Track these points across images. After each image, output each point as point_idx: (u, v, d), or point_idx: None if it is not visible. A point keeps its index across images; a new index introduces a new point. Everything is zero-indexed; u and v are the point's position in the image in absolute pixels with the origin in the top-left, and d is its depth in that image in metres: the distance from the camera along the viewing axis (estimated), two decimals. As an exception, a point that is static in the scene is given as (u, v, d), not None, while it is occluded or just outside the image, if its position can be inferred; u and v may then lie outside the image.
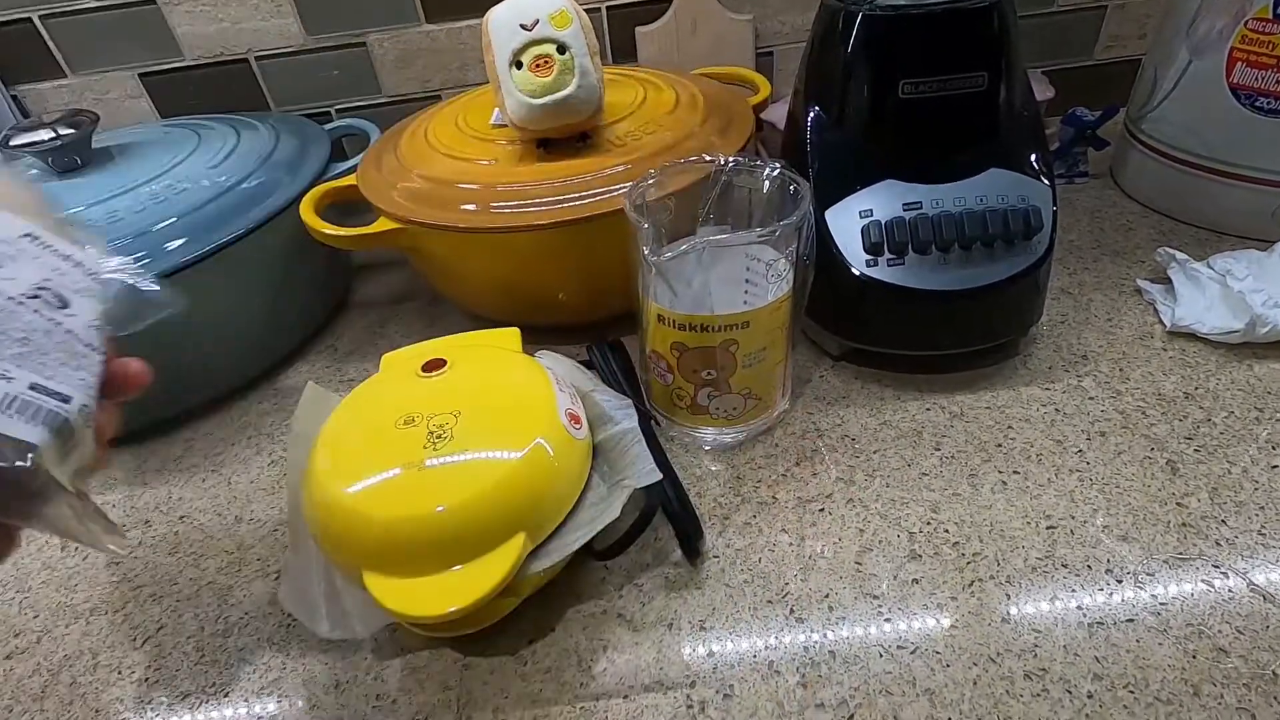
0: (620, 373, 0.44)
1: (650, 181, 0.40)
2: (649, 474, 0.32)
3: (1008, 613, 0.32)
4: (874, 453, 0.41)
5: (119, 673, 0.35)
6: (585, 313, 0.51)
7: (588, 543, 0.33)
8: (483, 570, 0.29)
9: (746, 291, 0.40)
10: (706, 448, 0.43)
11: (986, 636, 0.32)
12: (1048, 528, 0.36)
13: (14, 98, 0.68)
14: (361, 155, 0.55)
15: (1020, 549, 0.35)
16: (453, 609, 0.28)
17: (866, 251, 0.42)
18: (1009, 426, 0.42)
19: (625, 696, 0.31)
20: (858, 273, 0.42)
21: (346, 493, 0.30)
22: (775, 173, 0.40)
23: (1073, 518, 0.36)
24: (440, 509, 0.29)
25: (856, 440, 0.42)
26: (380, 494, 0.30)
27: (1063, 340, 0.47)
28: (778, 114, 0.63)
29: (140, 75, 0.68)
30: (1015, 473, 0.39)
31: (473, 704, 0.32)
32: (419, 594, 0.29)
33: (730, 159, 0.41)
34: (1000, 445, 0.40)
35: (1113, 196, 0.61)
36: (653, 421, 0.43)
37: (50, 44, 0.65)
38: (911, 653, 0.31)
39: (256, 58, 0.68)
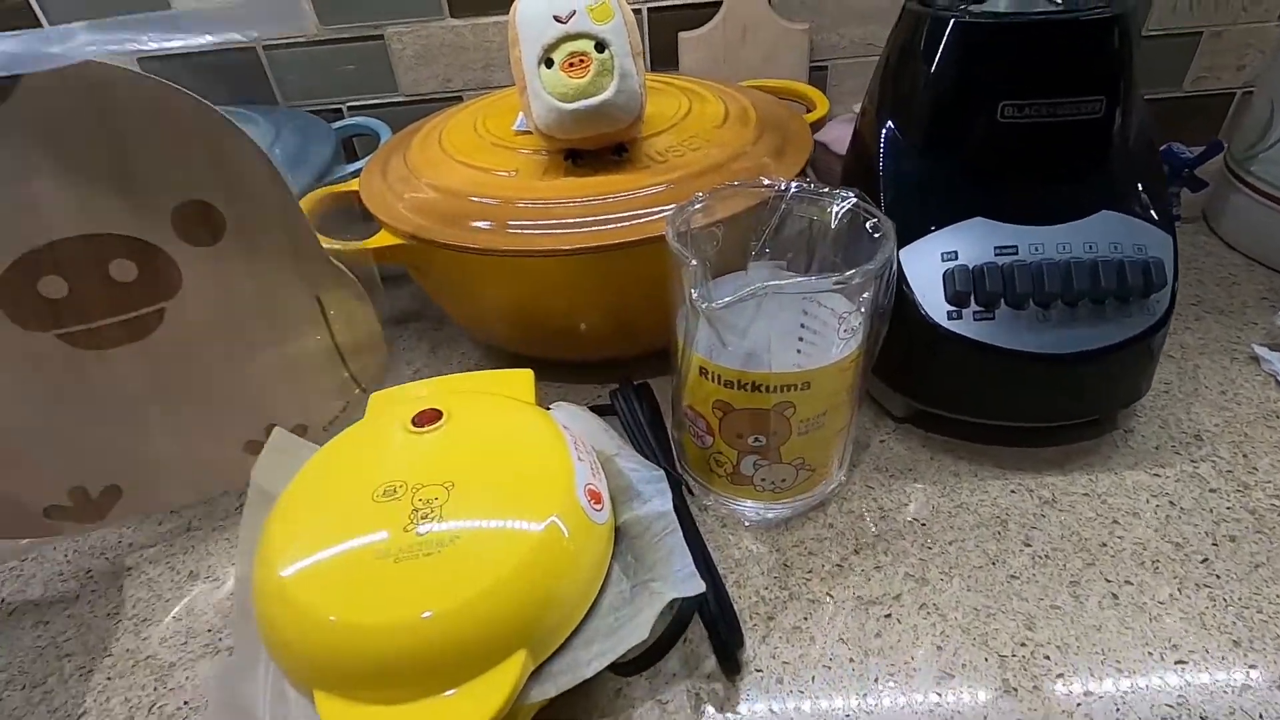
0: (648, 426, 0.38)
1: (697, 206, 0.34)
2: (689, 582, 0.25)
3: (1135, 781, 0.25)
4: (949, 544, 0.34)
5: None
6: (609, 349, 0.44)
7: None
8: (470, 700, 0.23)
9: (802, 340, 0.34)
10: (746, 523, 0.36)
11: (1111, 815, 0.25)
12: (1177, 662, 0.29)
13: (3, 77, 0.63)
14: (368, 158, 0.49)
15: (1144, 690, 0.28)
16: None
17: (949, 301, 0.36)
18: (1114, 521, 0.35)
19: None
20: (938, 325, 0.35)
21: (299, 584, 0.24)
22: (848, 204, 0.33)
23: (1207, 651, 0.29)
24: (419, 616, 0.23)
25: (927, 526, 0.35)
26: (343, 589, 0.24)
27: (1169, 414, 0.40)
28: (831, 135, 0.57)
29: (139, 59, 0.62)
30: (1127, 583, 0.32)
31: None
32: None
33: (793, 184, 0.35)
34: (1105, 545, 0.33)
35: (1209, 245, 0.54)
36: (684, 488, 0.36)
37: (41, 17, 0.60)
38: (1013, 830, 0.24)
39: (265, 46, 0.63)
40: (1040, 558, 0.33)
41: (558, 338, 0.43)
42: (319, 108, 0.65)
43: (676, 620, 0.26)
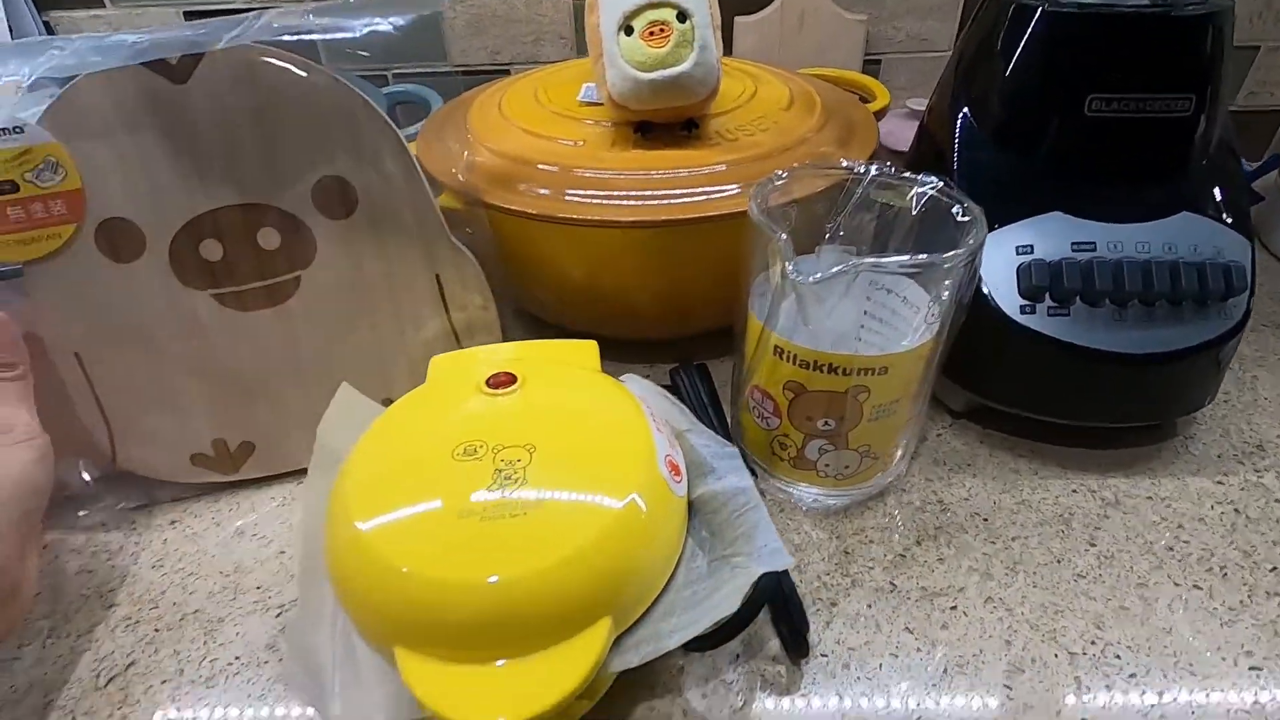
0: (709, 406, 0.37)
1: (777, 183, 0.34)
2: (777, 556, 0.25)
3: (1215, 784, 0.25)
4: (1013, 539, 0.34)
5: (73, 718, 0.28)
6: (666, 328, 0.44)
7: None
8: (557, 664, 0.22)
9: (864, 328, 0.33)
10: (805, 509, 0.36)
11: (1192, 817, 0.24)
12: (1251, 668, 0.28)
13: (45, 23, 0.62)
14: (421, 124, 0.48)
15: (1219, 694, 0.28)
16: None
17: (1023, 295, 0.35)
18: (1179, 526, 0.34)
19: (714, 841, 0.24)
20: (1010, 320, 0.35)
21: (380, 538, 0.23)
22: (930, 189, 0.33)
23: (1281, 659, 0.29)
24: (508, 577, 0.22)
25: (989, 521, 0.35)
26: (428, 546, 0.23)
27: (1230, 424, 0.40)
28: (884, 129, 0.56)
29: (184, 12, 0.62)
30: (1196, 588, 0.31)
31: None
32: (468, 688, 0.22)
33: (871, 167, 0.34)
34: (1172, 549, 0.33)
35: (1262, 260, 0.54)
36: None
37: None
38: (1092, 827, 0.24)
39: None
40: (1106, 558, 0.33)
41: (615, 314, 0.42)
42: (365, 73, 0.64)
43: (756, 597, 0.26)
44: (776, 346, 0.32)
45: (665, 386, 0.39)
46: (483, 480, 0.24)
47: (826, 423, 0.32)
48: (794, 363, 0.31)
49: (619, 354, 0.44)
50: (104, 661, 0.30)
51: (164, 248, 0.34)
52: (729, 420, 0.38)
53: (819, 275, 0.27)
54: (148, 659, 0.30)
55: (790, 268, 0.27)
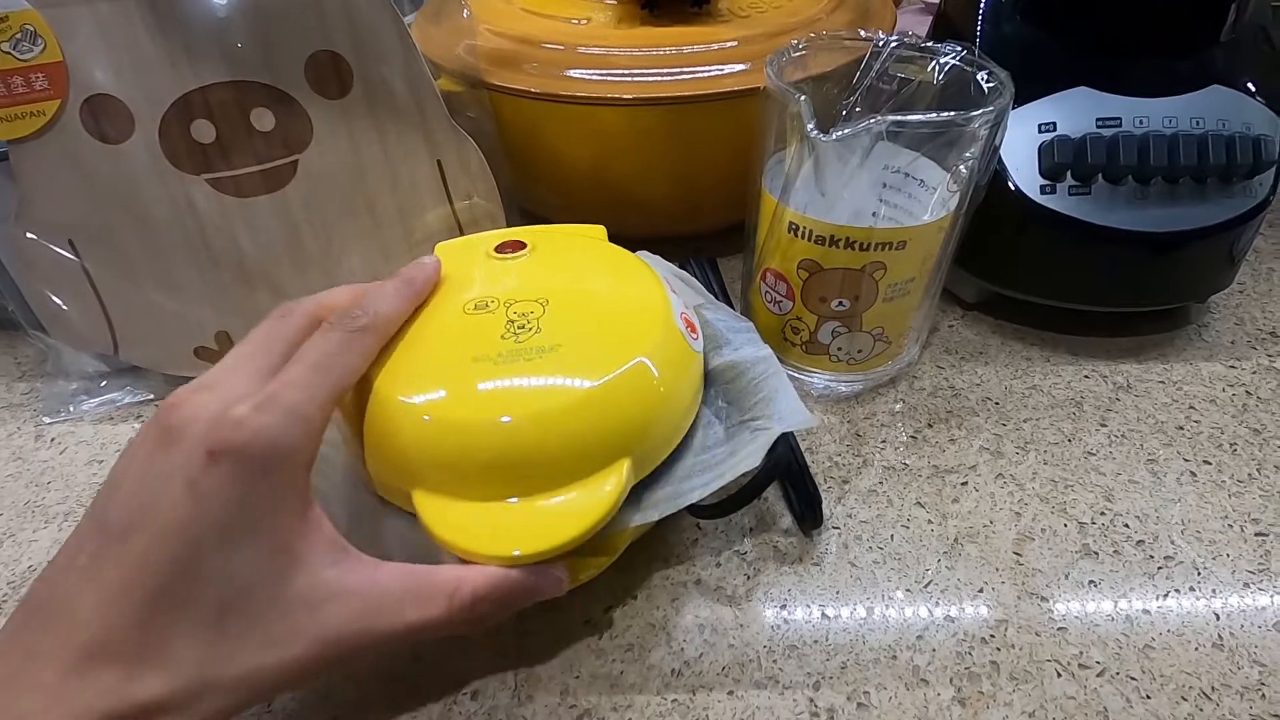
0: (721, 295, 0.36)
1: (795, 55, 0.32)
2: (797, 416, 0.25)
3: (1219, 637, 0.26)
4: (1024, 421, 0.34)
5: (93, 594, 0.28)
6: (674, 222, 0.42)
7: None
8: (575, 502, 0.22)
9: (877, 210, 0.32)
10: (816, 395, 0.35)
11: (1196, 665, 0.25)
12: (1257, 534, 0.29)
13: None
14: (417, 10, 0.46)
15: (1225, 557, 0.28)
16: (518, 552, 0.21)
17: (1043, 175, 0.34)
18: (1190, 407, 0.34)
19: (730, 692, 0.25)
20: (1029, 200, 0.34)
21: (395, 384, 0.23)
22: (954, 58, 0.31)
23: (1288, 525, 0.29)
24: (521, 415, 0.22)
25: (1001, 404, 0.35)
26: (444, 389, 0.23)
27: (1243, 312, 0.39)
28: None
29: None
30: (1206, 463, 0.32)
31: (534, 680, 0.25)
32: (485, 524, 0.22)
33: (893, 38, 0.33)
34: (1182, 428, 0.33)
35: None
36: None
37: None
38: (1099, 675, 0.25)
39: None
40: (1117, 437, 0.33)
41: (621, 206, 0.41)
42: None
43: (772, 464, 0.26)
44: (791, 223, 0.31)
45: (675, 276, 0.39)
46: (496, 330, 0.24)
47: (841, 303, 0.32)
48: (809, 239, 0.30)
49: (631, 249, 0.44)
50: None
51: (153, 128, 0.32)
52: (738, 309, 0.38)
53: (841, 132, 0.26)
54: (165, 539, 0.30)
55: (811, 127, 0.26)
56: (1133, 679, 0.24)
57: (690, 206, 0.41)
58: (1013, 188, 0.34)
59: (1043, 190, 0.34)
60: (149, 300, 0.35)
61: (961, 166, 0.30)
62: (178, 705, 0.17)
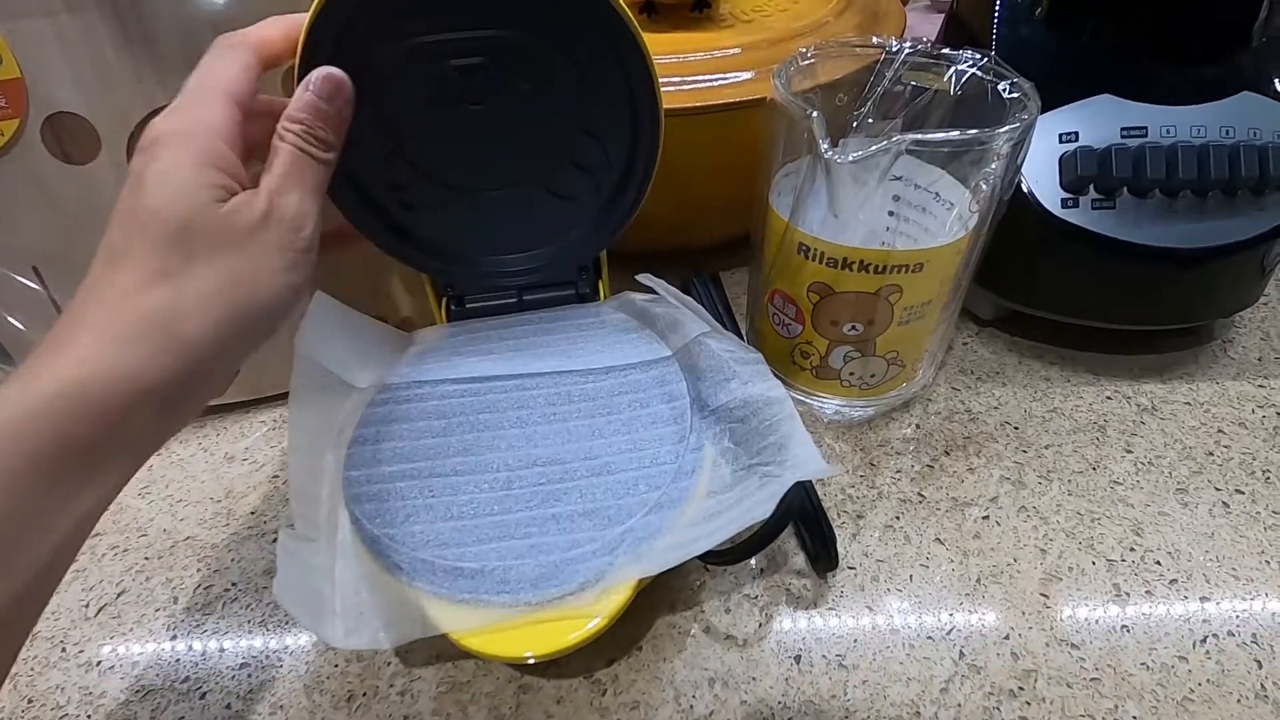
0: (726, 315, 0.35)
1: (803, 64, 0.30)
2: (812, 464, 0.23)
3: (1261, 687, 0.24)
4: (1045, 447, 0.32)
5: (63, 650, 0.27)
6: (674, 237, 0.41)
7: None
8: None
9: (891, 228, 0.30)
10: (826, 421, 0.34)
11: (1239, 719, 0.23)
12: (1297, 572, 0.27)
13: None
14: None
15: (1264, 598, 0.26)
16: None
17: (1065, 188, 0.32)
18: (1219, 430, 0.33)
19: (743, 756, 0.23)
20: (1049, 215, 0.32)
21: None
22: (972, 66, 0.29)
23: (1328, 561, 0.27)
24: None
25: (1020, 429, 0.33)
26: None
27: (1269, 326, 0.38)
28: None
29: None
30: (1238, 492, 0.30)
31: (534, 743, 0.23)
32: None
33: (906, 44, 0.31)
34: (1212, 454, 0.32)
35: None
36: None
37: None
38: (1136, 732, 0.23)
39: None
40: (1144, 464, 0.31)
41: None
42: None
43: (784, 510, 0.24)
44: (802, 244, 0.29)
45: (676, 296, 0.37)
46: None
47: (853, 327, 0.30)
48: (821, 261, 0.29)
49: (625, 267, 0.42)
50: (93, 591, 0.29)
51: (120, 147, 0.30)
52: (744, 332, 0.36)
53: (858, 153, 0.24)
54: (139, 587, 0.29)
55: (824, 146, 0.24)
56: (1173, 737, 0.23)
57: (692, 220, 0.39)
58: (1032, 201, 0.33)
59: (1064, 204, 0.32)
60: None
61: (983, 183, 0.28)
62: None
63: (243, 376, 0.35)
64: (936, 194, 0.31)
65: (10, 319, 0.32)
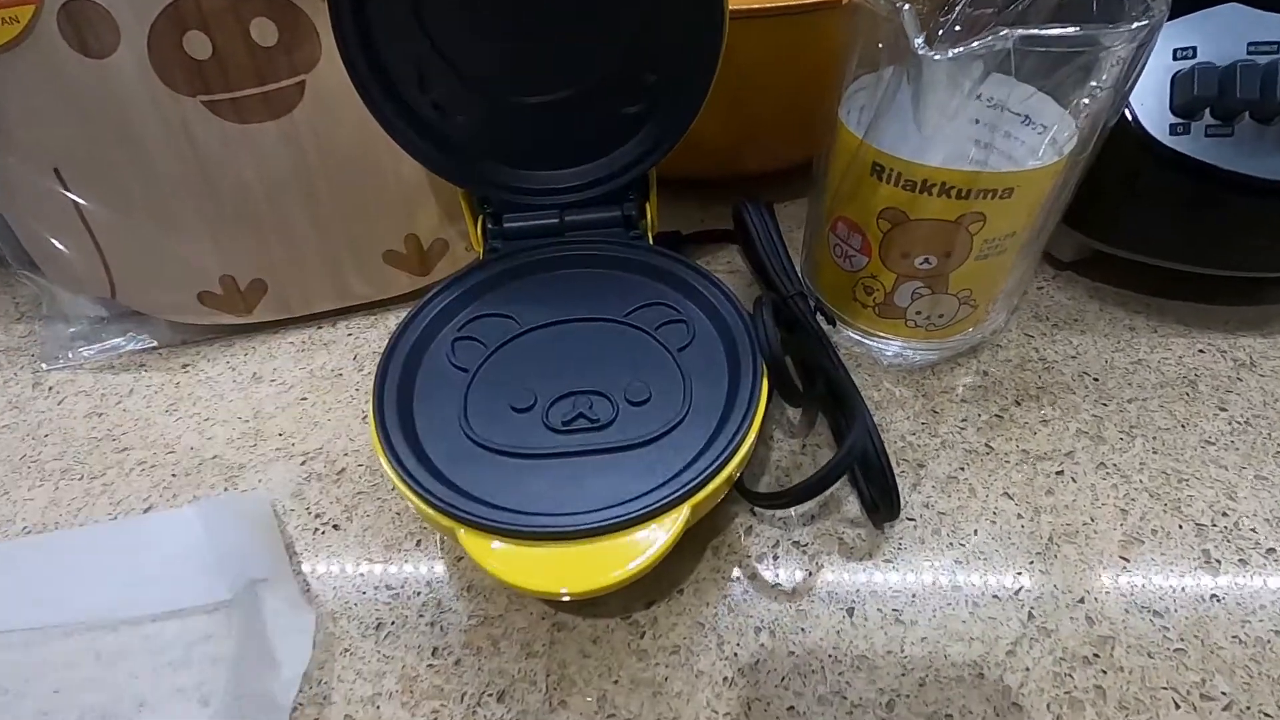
0: (778, 248, 0.32)
1: (887, -43, 0.27)
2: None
3: (1369, 668, 0.22)
4: (1128, 401, 0.29)
5: (90, 562, 0.26)
6: (727, 161, 0.38)
7: (739, 480, 0.23)
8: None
9: (975, 151, 0.27)
10: (886, 364, 0.31)
11: (1344, 702, 0.21)
12: None
13: None
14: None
15: (1375, 573, 0.24)
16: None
17: (1175, 111, 0.29)
18: (1328, 390, 0.30)
19: (790, 707, 0.21)
20: (1155, 142, 0.29)
21: None
22: (1084, -38, 0.26)
23: None
24: None
25: (1101, 381, 0.30)
26: None
27: (1388, 279, 0.34)
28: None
29: None
30: (1348, 458, 0.27)
31: (567, 683, 0.22)
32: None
33: (1006, -62, 0.27)
34: (1319, 415, 0.29)
35: None
36: (817, 316, 0.31)
37: None
38: (1225, 709, 0.21)
39: None
40: (1239, 424, 0.28)
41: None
42: None
43: (846, 452, 0.22)
44: (876, 164, 0.26)
45: (721, 233, 0.34)
46: None
47: (926, 260, 0.27)
48: (897, 184, 0.26)
49: (670, 195, 0.39)
50: (120, 505, 0.28)
51: (141, 40, 0.28)
52: (799, 266, 0.34)
53: (958, 49, 0.21)
54: (166, 504, 0.28)
55: (919, 42, 0.21)
56: (1268, 716, 0.21)
57: (747, 142, 0.36)
58: (1134, 126, 0.29)
59: (1173, 130, 0.29)
60: (147, 239, 0.31)
61: (1087, 100, 0.25)
62: None
63: (271, 296, 0.34)
64: (1026, 116, 0.27)
65: (42, 231, 0.31)
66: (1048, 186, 0.26)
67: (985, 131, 0.27)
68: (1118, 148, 0.29)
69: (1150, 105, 0.29)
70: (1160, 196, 0.30)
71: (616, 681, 0.22)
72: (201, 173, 0.30)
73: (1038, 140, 0.26)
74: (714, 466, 0.22)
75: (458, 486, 0.22)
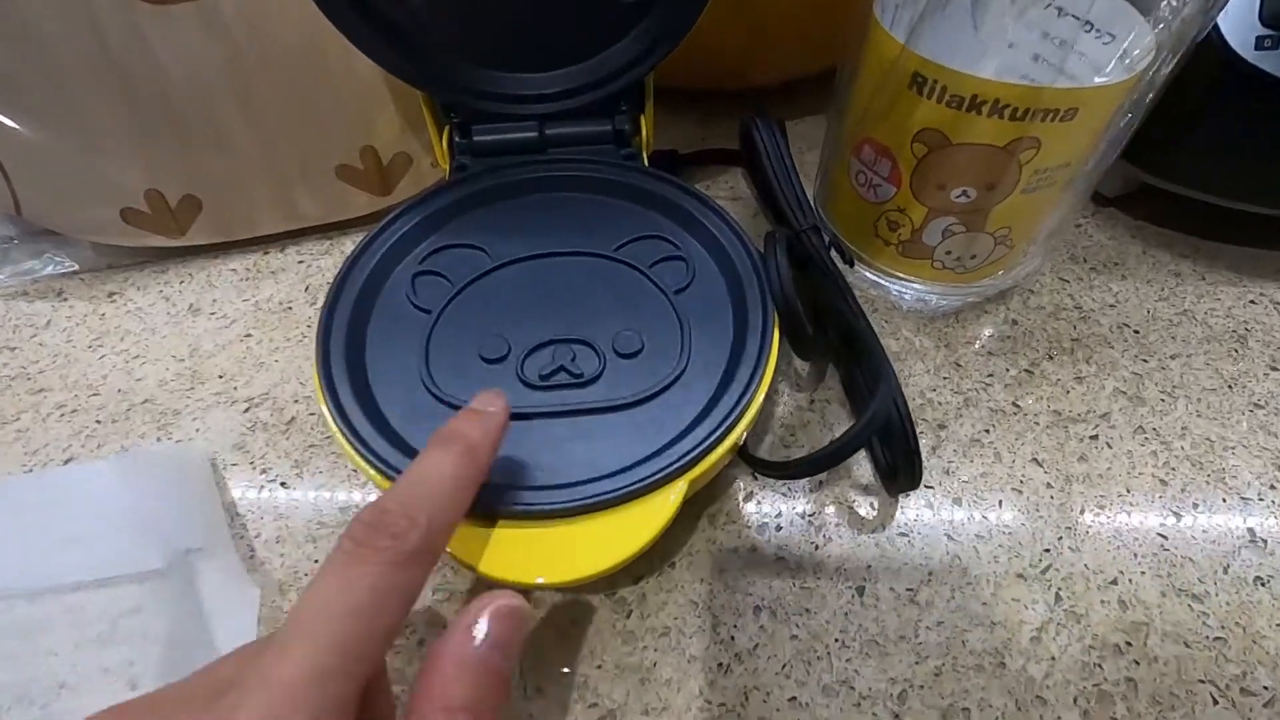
0: (787, 171, 0.28)
1: None
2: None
3: None
4: (1171, 358, 0.27)
5: (2, 521, 0.23)
6: (733, 69, 0.33)
7: (742, 445, 0.20)
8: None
9: (1037, 60, 0.23)
10: (905, 309, 0.28)
11: (1397, 700, 0.19)
12: None
13: None
14: None
15: None
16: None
17: (1265, 22, 0.24)
18: (1389, 349, 0.27)
19: (793, 698, 0.19)
20: (1236, 58, 0.25)
21: None
22: None
23: None
24: None
25: (1141, 334, 0.27)
26: None
27: None
28: None
29: None
30: None
31: (544, 669, 0.20)
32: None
33: None
34: (1379, 377, 0.26)
35: None
36: (832, 253, 0.27)
37: None
38: (1266, 705, 0.19)
39: None
40: (1292, 385, 0.26)
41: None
42: None
43: (869, 419, 0.19)
44: (918, 76, 0.22)
45: (733, 150, 0.30)
46: None
47: (965, 193, 0.24)
48: (941, 99, 0.22)
49: (670, 107, 0.34)
50: (36, 455, 0.24)
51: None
52: (812, 194, 0.30)
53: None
54: (89, 454, 0.24)
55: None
56: (1313, 714, 0.19)
57: (757, 48, 0.31)
58: (1214, 38, 0.25)
59: (1259, 44, 0.24)
60: (52, 146, 0.27)
61: (1169, 5, 0.21)
62: None
63: (207, 215, 0.29)
64: (1089, 23, 0.23)
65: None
66: (1114, 108, 0.22)
67: (1047, 45, 0.23)
68: (1190, 62, 0.25)
69: (1233, 15, 0.25)
70: (1233, 121, 0.26)
71: (599, 666, 0.20)
72: (108, 64, 0.25)
73: (1105, 53, 0.22)
74: (716, 434, 0.19)
75: (416, 451, 0.19)
